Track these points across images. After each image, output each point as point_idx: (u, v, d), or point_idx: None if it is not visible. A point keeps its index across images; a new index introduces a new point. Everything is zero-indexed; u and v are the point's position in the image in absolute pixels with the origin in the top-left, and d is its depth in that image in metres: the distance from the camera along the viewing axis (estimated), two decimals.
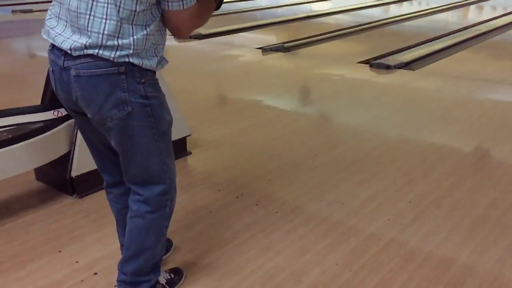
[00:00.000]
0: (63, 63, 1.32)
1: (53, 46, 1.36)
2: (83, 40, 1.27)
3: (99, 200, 2.29)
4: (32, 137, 2.16)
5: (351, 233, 2.06)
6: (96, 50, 1.26)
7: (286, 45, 5.89)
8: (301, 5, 10.23)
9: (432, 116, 3.52)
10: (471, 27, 7.17)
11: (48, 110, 2.28)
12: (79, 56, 1.28)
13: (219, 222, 2.13)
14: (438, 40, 6.17)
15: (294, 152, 2.89)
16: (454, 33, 6.70)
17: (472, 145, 3.01)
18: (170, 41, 5.81)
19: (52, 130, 2.22)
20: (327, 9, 9.43)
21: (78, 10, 1.27)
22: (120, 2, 1.24)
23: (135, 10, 1.26)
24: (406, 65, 4.83)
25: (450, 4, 10.14)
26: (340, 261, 1.86)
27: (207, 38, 6.43)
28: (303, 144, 3.02)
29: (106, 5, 1.24)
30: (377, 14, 9.12)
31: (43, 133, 2.20)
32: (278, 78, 4.69)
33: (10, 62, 5.36)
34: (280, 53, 5.61)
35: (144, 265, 1.54)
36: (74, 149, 2.26)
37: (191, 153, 2.85)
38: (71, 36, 1.30)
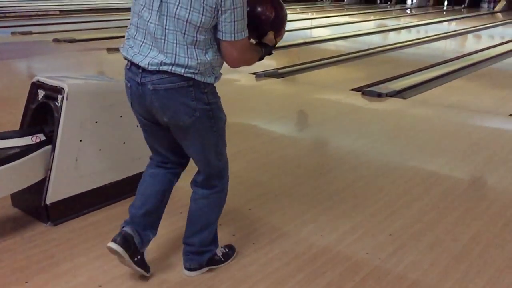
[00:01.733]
0: (140, 79, 1.65)
1: (130, 65, 1.68)
2: (160, 58, 1.60)
3: (74, 228, 2.26)
4: (9, 163, 2.14)
5: (327, 267, 2.01)
6: (170, 67, 1.60)
7: (280, 71, 5.91)
8: (301, 31, 10.33)
9: (420, 145, 3.50)
10: (466, 56, 7.21)
11: (26, 136, 2.27)
12: (154, 72, 1.61)
13: None
14: (432, 68, 6.19)
15: (279, 181, 2.86)
16: (449, 61, 6.73)
17: (458, 176, 2.98)
18: None
19: (29, 156, 2.21)
20: (326, 35, 9.51)
21: (155, 36, 1.60)
22: (185, 31, 1.58)
23: (197, 37, 1.59)
24: (398, 93, 4.83)
25: (448, 32, 10.22)
26: None
27: None
28: (289, 172, 2.99)
29: (175, 32, 1.59)
30: (376, 40, 9.19)
31: (20, 158, 2.19)
32: (270, 104, 4.69)
33: (7, 84, 5.39)
34: (274, 79, 5.63)
35: (207, 237, 1.93)
36: (50, 175, 2.24)
37: None
38: (148, 54, 1.63)
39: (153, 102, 1.67)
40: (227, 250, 2.05)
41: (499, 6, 14.95)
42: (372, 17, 13.70)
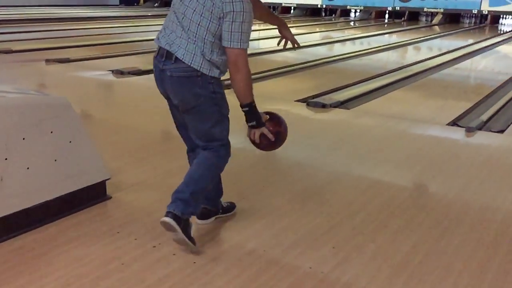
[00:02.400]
0: (162, 66, 2.07)
1: (157, 54, 2.10)
2: (177, 51, 2.02)
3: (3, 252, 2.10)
4: None
5: (271, 283, 1.96)
6: (183, 59, 2.01)
7: (226, 82, 5.85)
8: (252, 41, 10.36)
9: (363, 155, 3.54)
10: (406, 67, 7.46)
11: None
12: (172, 62, 2.03)
13: (130, 276, 1.98)
14: (374, 79, 6.36)
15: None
16: (390, 72, 6.94)
17: (399, 186, 3.04)
18: (109, 76, 5.68)
19: None
20: (273, 47, 9.58)
21: (176, 33, 2.05)
22: (196, 33, 2.01)
23: (205, 38, 2.01)
24: (342, 104, 4.91)
25: (390, 44, 10.58)
26: None
27: (147, 74, 6.33)
28: (231, 187, 2.92)
29: (190, 32, 2.02)
30: (321, 52, 9.35)
31: None
32: None
33: None
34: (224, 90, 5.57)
35: (199, 192, 2.14)
36: None
37: (111, 197, 2.69)
38: (170, 47, 2.04)
39: (169, 86, 2.08)
40: (229, 204, 2.50)
41: (436, 19, 15.68)
42: (317, 29, 13.98)
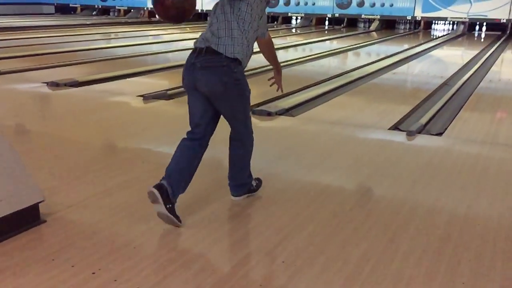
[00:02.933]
0: (194, 60, 2.45)
1: (192, 51, 2.50)
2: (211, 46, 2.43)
3: None
4: None
5: None
6: (213, 51, 2.42)
7: (169, 92, 5.73)
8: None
9: (310, 163, 3.53)
10: (347, 72, 7.62)
11: None
12: (203, 55, 2.42)
13: None
14: (318, 86, 6.43)
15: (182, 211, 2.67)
16: (333, 78, 7.05)
17: (346, 193, 3.04)
18: (44, 88, 5.36)
19: None
20: None
21: (213, 32, 2.46)
22: (232, 30, 2.44)
23: (243, 34, 2.46)
24: (287, 111, 4.91)
25: (331, 50, 10.79)
26: None
27: (84, 85, 6.07)
28: (179, 201, 2.81)
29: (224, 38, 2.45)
30: (265, 59, 9.37)
31: None
32: (160, 128, 4.48)
33: None
34: (163, 101, 5.43)
35: (244, 174, 2.76)
36: None
37: (45, 221, 2.50)
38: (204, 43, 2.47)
39: (198, 75, 2.43)
40: (257, 182, 2.88)
41: (374, 26, 16.22)
42: None
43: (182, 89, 6.02)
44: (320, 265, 2.16)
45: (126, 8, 20.57)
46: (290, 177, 3.28)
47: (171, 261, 2.19)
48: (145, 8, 20.07)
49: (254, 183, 2.85)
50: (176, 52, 9.92)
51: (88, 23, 16.48)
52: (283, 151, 3.84)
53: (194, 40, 2.54)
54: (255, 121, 4.68)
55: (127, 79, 6.73)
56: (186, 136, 2.62)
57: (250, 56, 2.57)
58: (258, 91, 4.01)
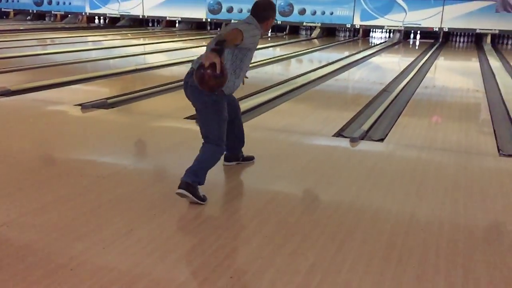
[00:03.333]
0: (186, 80, 2.95)
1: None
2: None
3: None
4: None
5: None
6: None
7: (110, 100, 5.52)
8: (134, 57, 9.98)
9: (258, 172, 3.50)
10: (291, 79, 7.70)
11: None
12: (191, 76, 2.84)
13: None
14: (262, 93, 6.44)
15: (105, 230, 2.53)
16: (277, 85, 7.09)
17: (294, 202, 3.02)
18: None
19: None
20: (160, 61, 9.32)
21: None
22: None
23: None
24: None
25: (274, 57, 10.88)
26: None
27: (18, 94, 5.73)
28: (121, 215, 2.68)
29: None
30: None
31: None
32: (99, 138, 4.29)
33: None
34: (103, 110, 5.22)
35: (201, 168, 2.89)
36: None
37: None
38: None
39: (188, 93, 2.97)
40: (204, 195, 2.88)
41: (315, 33, 16.56)
42: (204, 43, 13.92)
43: (123, 97, 5.91)
44: (269, 279, 2.12)
45: (63, 13, 19.82)
46: (237, 187, 3.23)
47: (113, 282, 2.06)
48: (83, 13, 19.44)
49: (202, 194, 2.86)
50: (118, 59, 9.63)
51: (22, 28, 15.70)
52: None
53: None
54: (196, 129, 4.62)
55: (65, 87, 6.43)
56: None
57: (236, 84, 3.07)
58: None
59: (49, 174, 3.40)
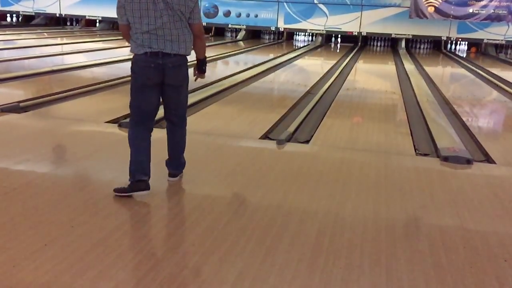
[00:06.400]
0: (165, 62, 2.95)
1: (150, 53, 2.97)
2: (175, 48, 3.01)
3: None
4: None
5: None
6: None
7: (22, 104, 5.14)
8: (50, 57, 9.41)
9: (188, 177, 3.40)
10: (218, 81, 7.64)
11: None
12: (172, 56, 2.97)
13: None
14: (189, 95, 6.30)
15: (16, 246, 2.32)
16: (204, 87, 6.99)
17: (221, 206, 2.96)
18: None
19: None
20: (80, 62, 8.86)
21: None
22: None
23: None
24: (157, 123, 4.69)
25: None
26: None
27: None
28: (36, 229, 2.48)
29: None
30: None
31: None
32: (11, 146, 3.96)
33: None
34: (15, 115, 4.85)
35: (183, 153, 3.33)
36: None
37: None
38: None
39: (169, 73, 2.95)
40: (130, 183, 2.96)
41: (240, 35, 16.64)
42: (126, 44, 13.50)
43: (38, 100, 5.54)
44: None
45: None
46: (164, 191, 3.11)
47: None
48: None
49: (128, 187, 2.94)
50: (33, 60, 9.04)
51: None
52: (156, 164, 3.63)
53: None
54: (122, 134, 4.41)
55: None
56: (140, 131, 2.98)
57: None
58: (124, 102, 3.76)
59: None
